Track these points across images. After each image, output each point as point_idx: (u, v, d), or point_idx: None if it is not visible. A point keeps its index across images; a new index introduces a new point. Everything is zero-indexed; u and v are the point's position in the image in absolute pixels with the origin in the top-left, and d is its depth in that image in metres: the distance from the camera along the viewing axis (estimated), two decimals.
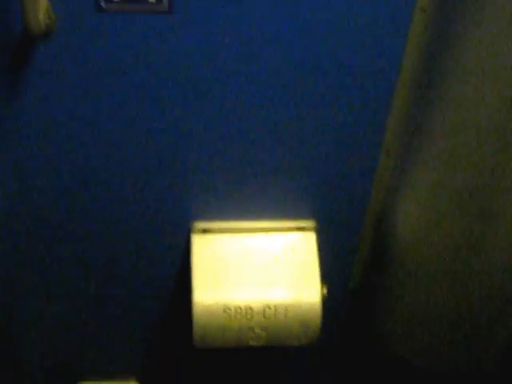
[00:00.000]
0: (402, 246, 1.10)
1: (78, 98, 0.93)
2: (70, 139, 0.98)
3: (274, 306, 1.06)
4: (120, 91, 0.93)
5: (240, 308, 1.06)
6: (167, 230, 1.11)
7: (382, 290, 1.18)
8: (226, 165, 1.03)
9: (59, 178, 1.03)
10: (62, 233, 1.11)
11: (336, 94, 0.96)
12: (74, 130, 0.97)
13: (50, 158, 1.00)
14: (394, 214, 1.09)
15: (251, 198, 1.08)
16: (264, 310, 1.06)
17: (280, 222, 1.10)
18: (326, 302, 1.09)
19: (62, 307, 1.24)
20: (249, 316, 1.06)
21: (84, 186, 1.04)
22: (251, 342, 1.09)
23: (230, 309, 1.06)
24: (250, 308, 1.06)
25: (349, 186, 1.08)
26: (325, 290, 1.09)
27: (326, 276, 1.10)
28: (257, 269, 1.08)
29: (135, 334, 1.29)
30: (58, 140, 0.98)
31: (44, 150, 0.99)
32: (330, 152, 1.03)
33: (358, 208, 1.11)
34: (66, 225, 1.10)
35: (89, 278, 1.18)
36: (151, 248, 1.14)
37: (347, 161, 1.05)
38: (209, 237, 1.09)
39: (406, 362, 1.19)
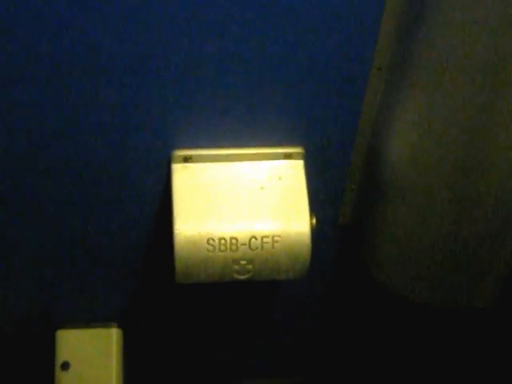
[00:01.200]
0: (396, 171, 1.04)
1: None
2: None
3: (261, 237, 1.00)
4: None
5: (224, 239, 1.00)
6: (146, 160, 1.04)
7: (373, 223, 1.13)
8: (207, 87, 0.96)
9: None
10: (39, 169, 1.04)
11: (324, 10, 0.89)
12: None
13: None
14: (386, 137, 1.03)
15: (235, 123, 1.01)
16: (250, 241, 1.00)
17: (266, 149, 1.04)
18: (316, 236, 1.03)
19: (36, 250, 1.17)
20: (234, 247, 1.00)
21: (62, 113, 0.97)
22: (236, 276, 1.03)
23: (213, 239, 1.00)
24: (235, 239, 1.00)
25: (338, 110, 1.02)
26: (314, 221, 1.04)
27: (316, 209, 1.04)
28: (242, 198, 1.02)
29: (114, 276, 1.23)
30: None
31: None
32: (318, 73, 0.96)
33: (349, 133, 1.05)
34: (42, 161, 1.03)
35: (65, 215, 1.11)
36: (130, 181, 1.07)
37: (337, 82, 0.98)
38: (190, 165, 1.03)
39: (400, 297, 1.14)
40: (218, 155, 1.03)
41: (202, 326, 1.34)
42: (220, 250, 1.00)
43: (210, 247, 1.00)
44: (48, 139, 1.00)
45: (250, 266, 1.02)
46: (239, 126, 1.01)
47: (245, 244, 1.00)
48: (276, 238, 1.01)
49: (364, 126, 1.04)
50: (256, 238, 1.00)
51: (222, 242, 1.00)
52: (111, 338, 1.30)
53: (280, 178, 1.04)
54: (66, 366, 1.27)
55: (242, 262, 1.01)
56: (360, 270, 1.19)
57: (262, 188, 1.03)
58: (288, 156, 1.04)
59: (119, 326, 1.31)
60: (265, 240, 1.00)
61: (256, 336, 1.40)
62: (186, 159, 1.03)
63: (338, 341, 1.43)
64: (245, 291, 1.26)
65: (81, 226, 1.13)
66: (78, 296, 1.28)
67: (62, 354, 1.28)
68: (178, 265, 1.00)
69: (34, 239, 1.15)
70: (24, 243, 1.16)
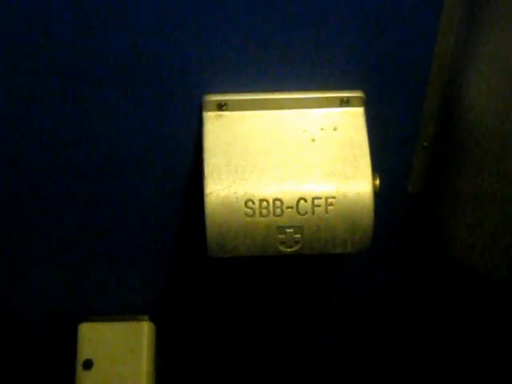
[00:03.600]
0: (480, 123, 0.85)
1: None
2: None
3: (311, 199, 0.83)
4: None
5: (266, 201, 0.82)
6: (170, 106, 0.88)
7: (451, 190, 0.94)
8: (246, 15, 0.80)
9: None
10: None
11: None
12: None
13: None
14: (464, 82, 0.84)
15: (279, 61, 0.85)
16: (298, 204, 0.83)
17: (318, 93, 0.87)
18: (380, 203, 0.85)
19: (54, 233, 1.03)
20: (278, 211, 0.83)
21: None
22: (282, 249, 0.85)
23: (253, 201, 0.82)
24: (280, 201, 0.82)
25: (407, 42, 0.84)
26: (377, 182, 0.85)
27: (379, 170, 0.86)
28: (288, 152, 0.85)
29: (143, 259, 1.07)
30: None
31: None
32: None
33: (420, 72, 0.87)
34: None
35: (81, 190, 0.97)
36: (151, 137, 0.91)
37: (404, 11, 0.81)
38: (225, 114, 0.87)
39: (480, 277, 0.95)
40: (259, 101, 0.87)
41: (243, 316, 1.17)
42: (261, 215, 0.83)
43: (249, 211, 0.82)
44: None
45: (298, 236, 0.84)
46: (284, 64, 0.85)
47: (291, 207, 0.83)
48: (330, 200, 0.83)
49: (439, 61, 0.86)
50: (305, 200, 0.83)
51: (264, 204, 0.82)
52: (142, 332, 1.14)
53: (335, 129, 0.87)
54: (88, 364, 1.12)
55: (289, 230, 0.83)
56: (434, 244, 1.01)
57: (312, 140, 0.86)
58: (345, 102, 0.87)
59: (151, 320, 1.15)
60: (316, 202, 0.83)
61: (306, 326, 1.22)
62: (221, 106, 0.86)
63: (406, 327, 1.24)
64: (292, 269, 1.08)
65: (98, 201, 0.98)
66: (102, 284, 1.12)
67: (84, 352, 1.13)
68: (210, 233, 0.83)
69: (49, 221, 1.01)
70: (42, 226, 1.02)
